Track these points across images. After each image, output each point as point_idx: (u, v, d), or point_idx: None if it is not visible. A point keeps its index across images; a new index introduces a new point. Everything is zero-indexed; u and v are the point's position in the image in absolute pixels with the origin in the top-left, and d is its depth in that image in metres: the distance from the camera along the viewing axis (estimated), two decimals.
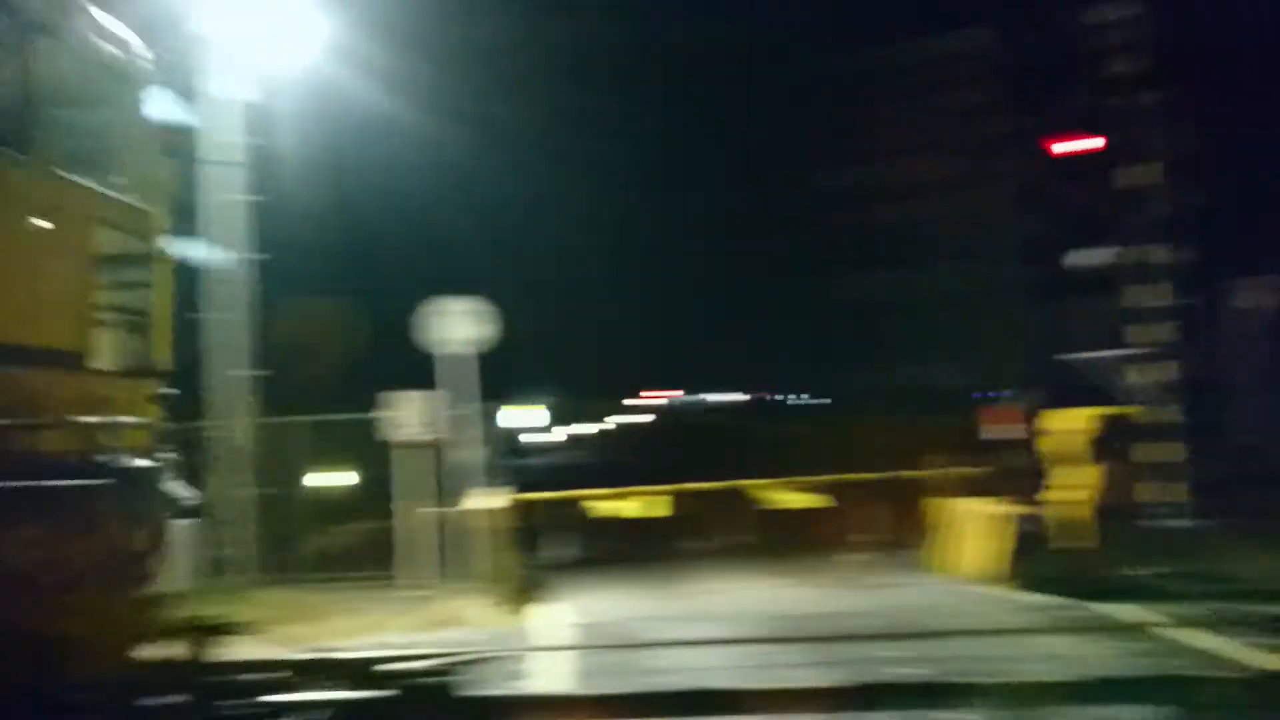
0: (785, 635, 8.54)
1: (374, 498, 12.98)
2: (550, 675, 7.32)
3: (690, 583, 11.78)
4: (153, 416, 6.93)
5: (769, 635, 8.58)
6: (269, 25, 11.89)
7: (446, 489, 11.68)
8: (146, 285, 7.37)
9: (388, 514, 12.14)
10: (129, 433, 6.37)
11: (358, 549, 13.02)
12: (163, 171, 7.84)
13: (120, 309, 6.97)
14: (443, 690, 4.58)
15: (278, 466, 12.60)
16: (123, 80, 7.25)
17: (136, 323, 7.06)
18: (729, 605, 10.43)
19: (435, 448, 11.82)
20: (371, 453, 12.41)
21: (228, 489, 11.23)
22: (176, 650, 4.02)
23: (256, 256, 12.00)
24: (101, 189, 6.75)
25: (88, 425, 5.94)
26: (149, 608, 4.23)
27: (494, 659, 7.13)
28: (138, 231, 7.19)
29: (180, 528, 9.59)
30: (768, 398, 51.43)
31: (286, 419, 12.82)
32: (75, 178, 6.39)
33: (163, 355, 7.33)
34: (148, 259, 7.39)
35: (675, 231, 54.37)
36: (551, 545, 13.22)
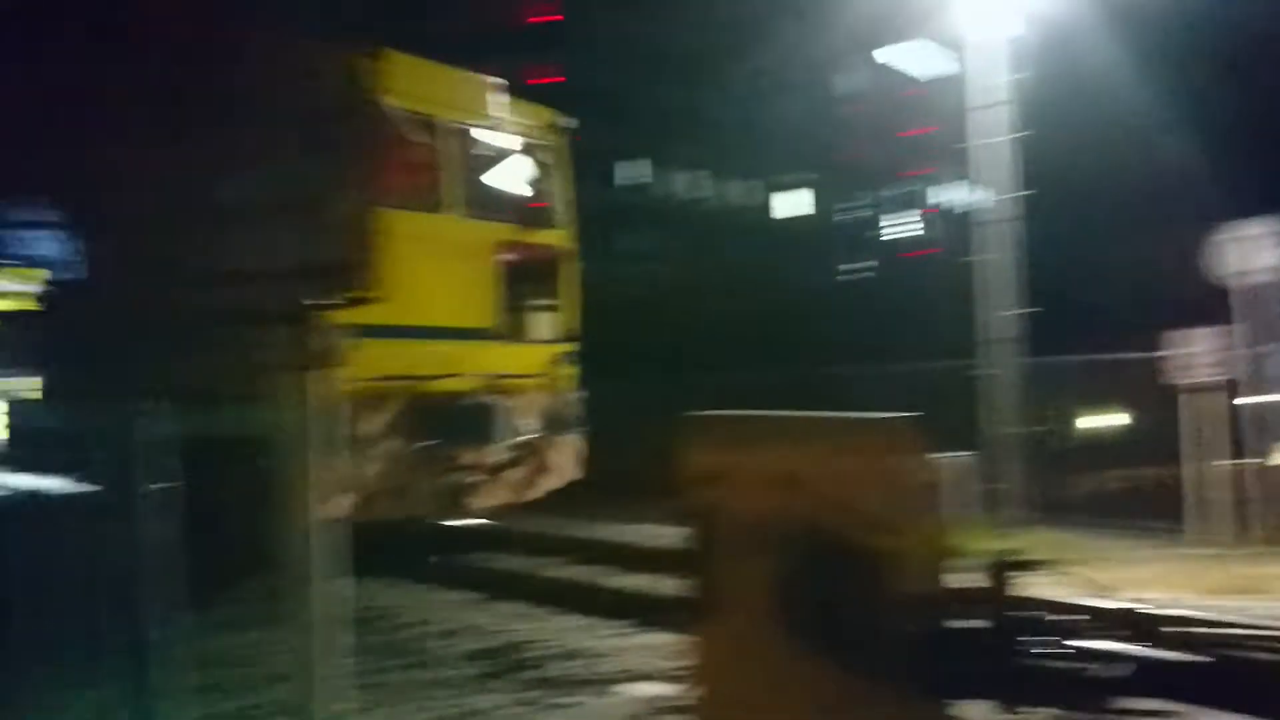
0: None
1: (1149, 443, 12.04)
2: None
3: None
4: (564, 372, 10.47)
5: None
6: None
7: (1247, 439, 10.24)
8: (553, 280, 10.56)
9: (1163, 461, 11.14)
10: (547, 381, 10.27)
11: (1131, 496, 12.23)
12: (567, 202, 10.93)
13: (534, 299, 10.26)
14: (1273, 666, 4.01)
15: (1045, 405, 12.46)
16: (530, 147, 10.53)
17: (548, 306, 10.37)
18: None
19: (1229, 392, 10.43)
20: (1148, 394, 11.49)
21: (997, 426, 11.43)
22: (975, 579, 4.17)
23: (1021, 194, 11.87)
24: (508, 223, 10.15)
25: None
26: (949, 534, 4.48)
27: None
28: (542, 247, 10.41)
29: (961, 461, 10.13)
30: None
31: (1052, 358, 12.57)
32: (484, 219, 9.89)
33: (570, 328, 10.57)
34: (553, 263, 10.60)
35: None
36: None
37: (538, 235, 10.48)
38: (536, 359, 10.25)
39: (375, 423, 8.68)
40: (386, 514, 8.64)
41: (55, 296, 18.79)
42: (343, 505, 7.72)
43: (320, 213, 2.64)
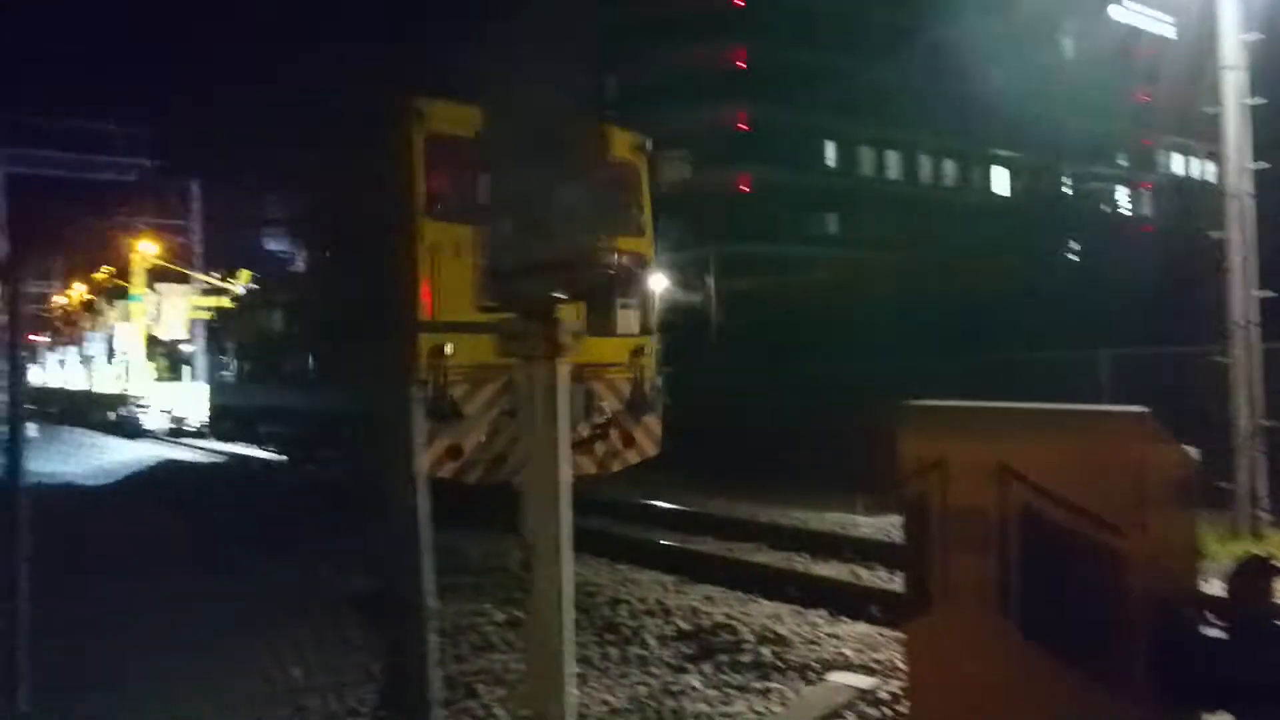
0: None
1: None
2: None
3: None
4: (643, 362, 12.08)
5: None
6: None
7: None
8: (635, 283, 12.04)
9: None
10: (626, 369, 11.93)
11: None
12: (648, 213, 12.57)
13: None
14: None
15: None
16: (617, 166, 11.72)
17: (633, 306, 11.88)
18: None
19: None
20: None
21: (1231, 419, 10.50)
22: (1216, 583, 3.87)
23: (1252, 166, 10.83)
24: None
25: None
26: (1196, 533, 4.20)
27: None
28: (625, 254, 11.69)
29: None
30: None
31: None
32: None
33: (649, 324, 12.33)
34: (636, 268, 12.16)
35: None
36: None
37: (621, 243, 11.78)
38: (618, 350, 11.93)
39: (478, 401, 10.64)
40: (486, 479, 10.63)
41: (275, 293, 20.96)
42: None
43: (564, 217, 2.85)
